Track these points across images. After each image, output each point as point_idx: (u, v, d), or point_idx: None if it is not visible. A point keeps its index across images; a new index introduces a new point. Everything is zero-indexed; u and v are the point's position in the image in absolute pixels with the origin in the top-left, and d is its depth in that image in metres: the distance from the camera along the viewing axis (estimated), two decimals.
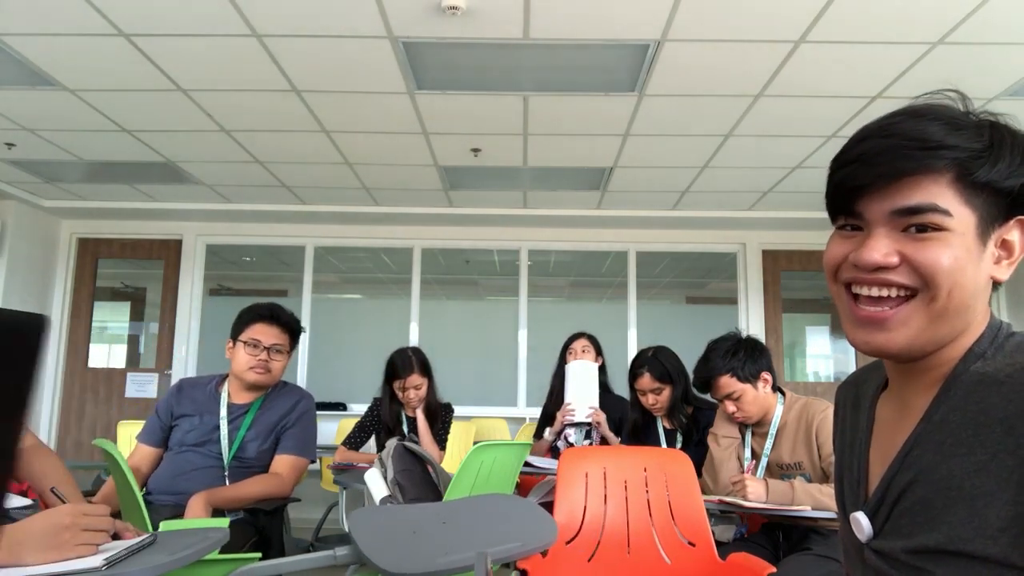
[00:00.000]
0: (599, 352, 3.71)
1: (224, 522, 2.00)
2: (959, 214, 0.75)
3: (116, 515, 1.52)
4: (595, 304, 7.02)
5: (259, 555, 1.90)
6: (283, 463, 2.55)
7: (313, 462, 2.75)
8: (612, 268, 6.50)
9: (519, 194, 5.55)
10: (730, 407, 2.46)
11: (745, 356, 2.45)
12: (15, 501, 1.85)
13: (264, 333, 2.58)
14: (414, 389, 3.32)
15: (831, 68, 3.36)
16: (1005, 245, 0.78)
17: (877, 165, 0.77)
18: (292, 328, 2.67)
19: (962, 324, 0.78)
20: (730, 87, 3.59)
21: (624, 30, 3.05)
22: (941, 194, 0.75)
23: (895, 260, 0.77)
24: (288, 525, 3.53)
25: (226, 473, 2.46)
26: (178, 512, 2.21)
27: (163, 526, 1.74)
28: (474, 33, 3.07)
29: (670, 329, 6.10)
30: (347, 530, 3.07)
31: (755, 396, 2.44)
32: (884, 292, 0.78)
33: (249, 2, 2.87)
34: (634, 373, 3.11)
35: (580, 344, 3.69)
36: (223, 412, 2.55)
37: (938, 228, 0.75)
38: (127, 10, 2.94)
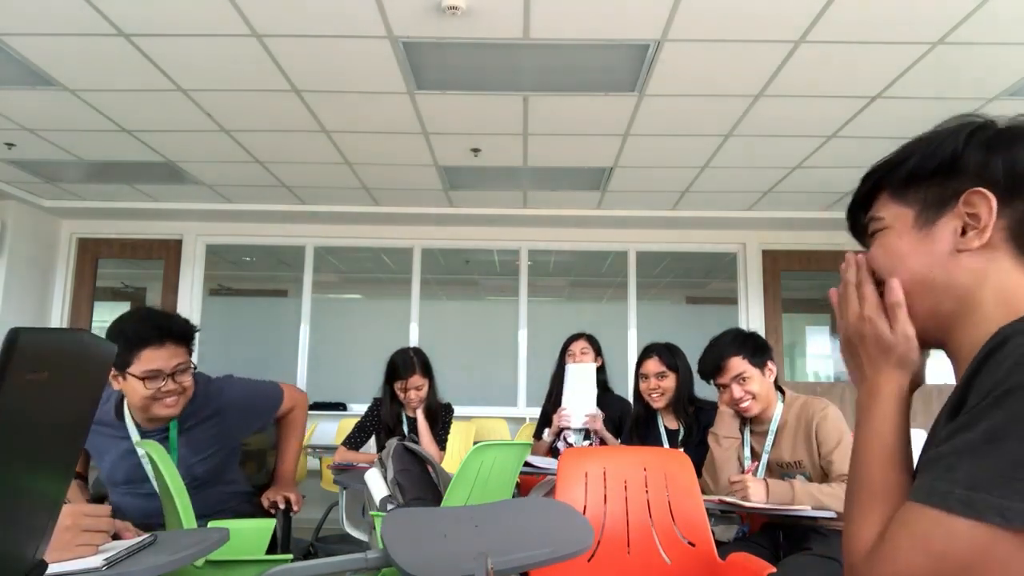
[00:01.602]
0: (598, 352, 3.70)
1: (271, 523, 2.00)
2: (891, 214, 0.88)
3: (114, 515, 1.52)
4: (595, 304, 7.02)
5: (290, 556, 1.89)
6: (284, 407, 2.50)
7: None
8: (612, 268, 6.50)
9: (519, 194, 5.55)
10: (736, 391, 2.45)
11: (753, 344, 2.48)
12: None
13: (159, 358, 2.06)
14: (415, 390, 3.32)
15: (831, 68, 3.36)
16: (974, 217, 0.82)
17: (849, 212, 0.96)
18: (187, 336, 2.17)
19: (938, 301, 0.83)
20: (730, 87, 3.59)
21: (624, 30, 3.05)
22: (879, 206, 0.90)
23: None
24: (289, 525, 3.53)
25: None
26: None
27: (211, 524, 1.73)
28: (474, 33, 3.07)
29: (670, 329, 6.09)
30: (347, 530, 3.08)
31: (762, 382, 2.45)
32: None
33: (249, 2, 2.87)
34: (642, 358, 3.16)
35: (579, 346, 3.68)
36: (140, 450, 2.13)
37: (877, 231, 0.90)
38: (127, 10, 2.94)
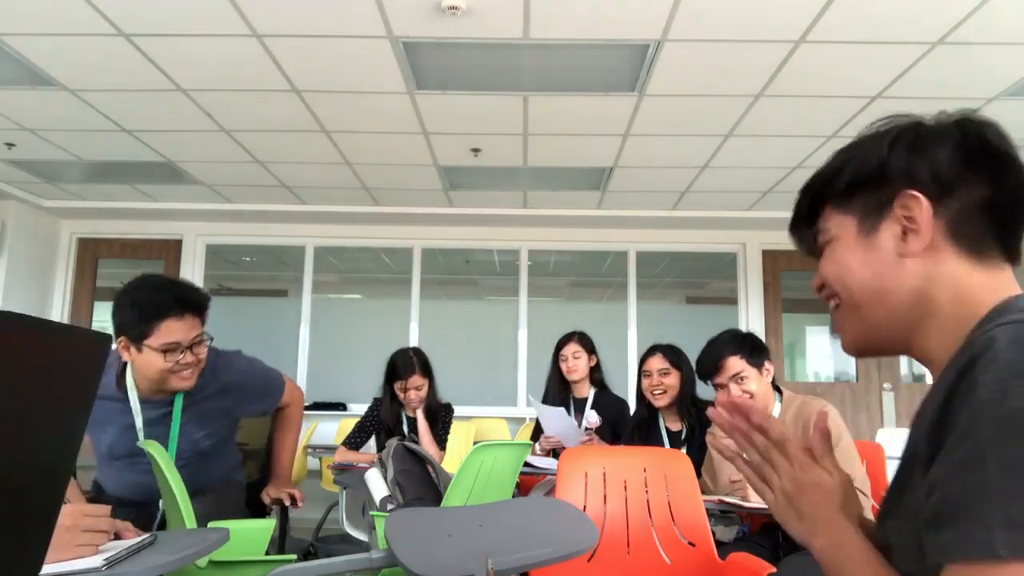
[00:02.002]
0: (592, 351, 3.62)
1: (271, 523, 2.00)
2: (835, 224, 0.89)
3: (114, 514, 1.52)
4: (595, 304, 7.02)
5: (293, 557, 1.89)
6: (283, 400, 2.50)
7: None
8: (612, 268, 6.50)
9: (519, 194, 5.55)
10: (734, 391, 2.45)
11: (751, 344, 2.49)
12: None
13: (179, 331, 1.98)
14: (415, 390, 3.32)
15: (831, 68, 3.36)
16: (911, 220, 0.82)
17: (792, 228, 0.97)
18: (204, 306, 2.10)
19: (895, 307, 0.84)
20: (730, 87, 3.59)
21: (624, 30, 3.05)
22: (823, 218, 0.91)
23: (817, 280, 0.93)
24: (288, 525, 3.53)
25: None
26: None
27: (211, 524, 1.73)
28: (474, 33, 3.07)
29: (670, 329, 6.07)
30: (347, 530, 3.08)
31: (760, 382, 2.46)
32: (830, 304, 0.92)
33: (249, 2, 2.87)
34: (645, 356, 3.16)
35: (571, 349, 3.57)
36: (138, 421, 2.08)
37: (826, 243, 0.90)
38: (127, 10, 2.94)
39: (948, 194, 0.81)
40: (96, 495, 2.25)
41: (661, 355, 3.10)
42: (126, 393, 2.09)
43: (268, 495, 2.45)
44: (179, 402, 2.13)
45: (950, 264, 0.81)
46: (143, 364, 2.00)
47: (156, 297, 1.98)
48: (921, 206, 0.81)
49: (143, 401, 2.10)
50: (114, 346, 2.05)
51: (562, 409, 3.35)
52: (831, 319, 0.93)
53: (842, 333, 0.91)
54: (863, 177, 0.86)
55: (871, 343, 0.89)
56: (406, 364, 3.35)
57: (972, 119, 0.84)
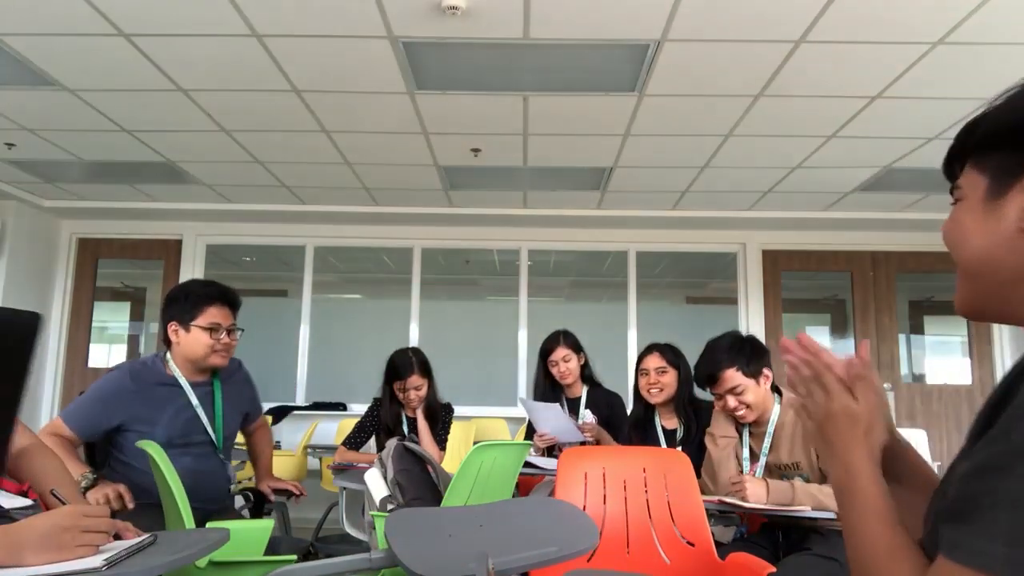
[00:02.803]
0: (579, 349, 3.57)
1: (269, 523, 2.02)
2: (968, 182, 0.82)
3: (115, 514, 1.52)
4: (595, 304, 7.02)
5: (294, 557, 1.90)
6: (262, 420, 2.88)
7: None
8: (612, 268, 6.50)
9: (519, 194, 5.55)
10: (731, 402, 2.45)
11: (750, 352, 2.47)
12: (15, 501, 1.85)
13: (221, 315, 2.48)
14: (414, 390, 3.32)
15: (831, 68, 3.36)
16: None
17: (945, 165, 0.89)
18: (237, 304, 2.60)
19: (1004, 278, 0.78)
20: (730, 87, 3.59)
21: (624, 30, 3.05)
22: (964, 172, 0.83)
23: (944, 228, 0.86)
24: (288, 525, 3.52)
25: (224, 463, 2.52)
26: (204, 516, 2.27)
27: (211, 525, 1.80)
28: (474, 33, 3.07)
29: (670, 329, 6.08)
30: (347, 530, 3.08)
31: (757, 392, 2.45)
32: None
33: (249, 2, 2.87)
34: (643, 355, 3.16)
35: (560, 355, 3.50)
36: (193, 399, 2.47)
37: (957, 200, 0.84)
38: (127, 10, 2.94)
39: None
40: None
41: (658, 354, 3.10)
42: (175, 377, 2.48)
43: (269, 485, 2.71)
44: (217, 385, 2.56)
45: None
46: (190, 342, 2.45)
47: (205, 289, 2.53)
48: None
49: (192, 384, 2.50)
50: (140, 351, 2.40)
51: (556, 405, 3.33)
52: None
53: (957, 292, 0.86)
54: (1003, 132, 0.78)
55: (979, 310, 0.84)
56: (405, 364, 3.34)
57: None
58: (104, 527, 1.31)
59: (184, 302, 2.47)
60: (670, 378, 3.06)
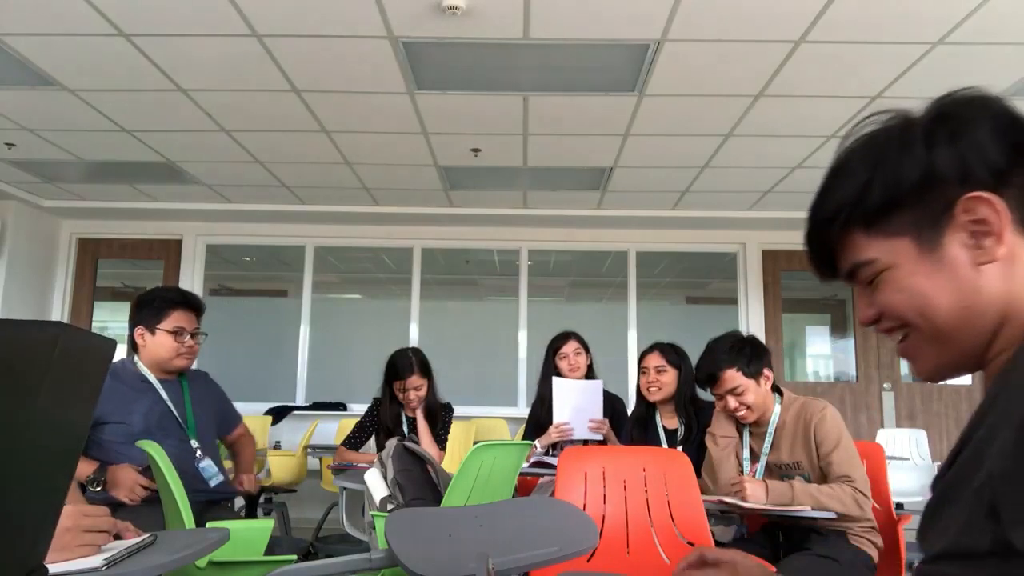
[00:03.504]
0: (588, 349, 3.57)
1: (269, 523, 2.03)
2: (884, 250, 0.77)
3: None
4: (595, 304, 7.02)
5: (294, 557, 1.90)
6: (242, 427, 2.97)
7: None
8: (612, 268, 6.50)
9: (519, 194, 5.55)
10: (732, 403, 2.45)
11: (750, 352, 2.47)
12: None
13: (185, 320, 2.60)
14: (414, 390, 3.32)
15: (831, 68, 3.36)
16: (980, 223, 0.73)
17: (812, 261, 0.88)
18: (202, 309, 2.71)
19: (982, 325, 0.74)
20: (730, 87, 3.59)
21: (624, 30, 3.05)
22: (860, 247, 0.79)
23: (872, 313, 0.81)
24: (288, 525, 3.52)
25: (197, 453, 2.58)
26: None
27: (210, 525, 1.85)
28: (474, 33, 3.07)
29: (670, 329, 6.09)
30: (347, 530, 3.08)
31: (757, 393, 2.45)
32: (894, 335, 0.81)
33: (249, 2, 2.87)
34: (644, 354, 3.16)
35: (572, 347, 3.50)
36: (163, 393, 2.58)
37: (875, 273, 0.78)
38: (127, 10, 2.94)
39: (1005, 183, 0.72)
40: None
41: (659, 353, 3.10)
42: (146, 376, 2.60)
43: (243, 481, 2.83)
44: (185, 384, 2.68)
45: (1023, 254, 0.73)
46: (155, 346, 2.58)
47: (169, 294, 2.66)
48: (992, 206, 0.71)
49: (160, 382, 2.60)
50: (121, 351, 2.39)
51: (595, 383, 3.35)
52: (899, 350, 0.82)
53: (918, 362, 0.80)
54: (903, 192, 0.74)
55: (956, 368, 0.79)
56: (405, 365, 3.34)
57: (975, 99, 0.75)
58: (105, 527, 1.32)
59: (150, 307, 2.60)
60: (669, 377, 3.06)
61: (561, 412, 3.31)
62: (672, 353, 3.11)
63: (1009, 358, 0.68)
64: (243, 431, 2.98)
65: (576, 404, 3.32)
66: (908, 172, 0.74)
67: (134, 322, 2.61)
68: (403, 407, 3.41)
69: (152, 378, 2.60)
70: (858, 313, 0.83)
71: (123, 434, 2.47)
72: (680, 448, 2.95)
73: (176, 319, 2.59)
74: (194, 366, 2.76)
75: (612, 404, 3.55)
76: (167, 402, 2.58)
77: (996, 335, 0.74)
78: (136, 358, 2.63)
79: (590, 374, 3.59)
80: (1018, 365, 0.65)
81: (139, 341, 2.60)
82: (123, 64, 3.39)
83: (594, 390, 3.31)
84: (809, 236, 0.84)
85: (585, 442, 3.43)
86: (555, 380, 3.33)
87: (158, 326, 2.57)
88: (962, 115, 0.75)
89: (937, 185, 0.73)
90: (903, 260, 0.76)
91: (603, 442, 3.40)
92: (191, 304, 2.65)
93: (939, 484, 0.71)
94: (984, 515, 0.61)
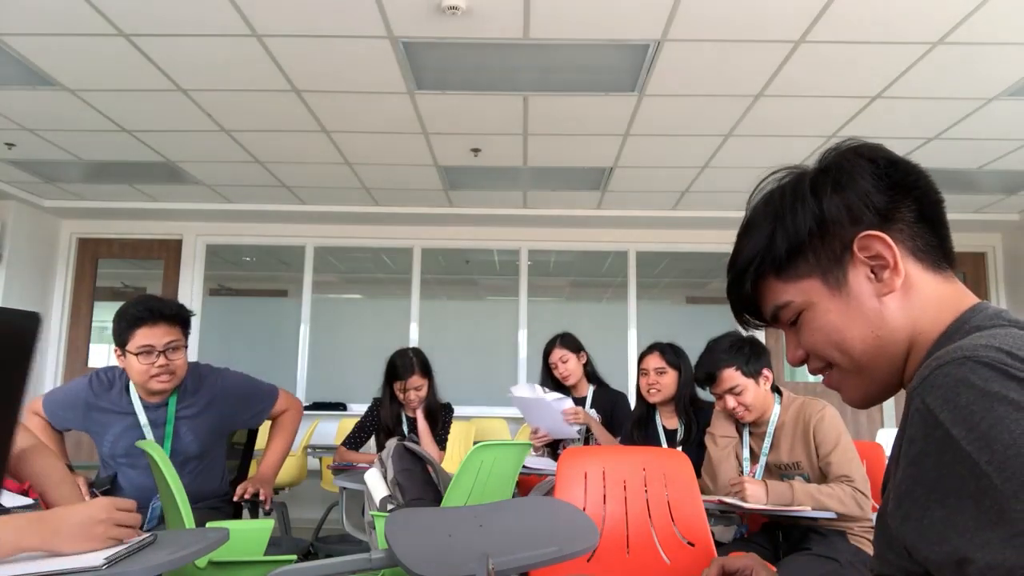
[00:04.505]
0: (578, 349, 3.59)
1: (269, 523, 2.02)
2: (797, 292, 0.85)
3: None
4: (595, 304, 7.02)
5: (294, 557, 1.90)
6: (278, 407, 2.66)
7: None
8: (612, 268, 6.50)
9: (519, 194, 5.55)
10: (731, 402, 2.45)
11: (749, 352, 2.47)
12: (15, 500, 1.85)
13: (152, 336, 2.29)
14: (414, 390, 3.32)
15: (831, 68, 3.36)
16: (877, 258, 0.80)
17: (736, 311, 0.93)
18: (181, 317, 2.39)
19: (894, 351, 0.82)
20: (730, 87, 3.59)
21: (624, 30, 3.05)
22: (777, 292, 0.86)
23: (801, 354, 0.88)
24: (288, 525, 3.53)
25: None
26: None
27: (210, 525, 1.81)
28: (474, 33, 3.07)
29: (670, 329, 6.08)
30: (347, 530, 3.08)
31: (756, 392, 2.45)
32: (823, 373, 0.89)
33: (249, 2, 2.87)
34: (643, 355, 3.16)
35: (558, 356, 3.54)
36: (142, 419, 2.38)
37: (797, 314, 0.86)
38: (127, 10, 2.94)
39: (891, 221, 0.81)
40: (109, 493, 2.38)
41: (659, 354, 3.10)
42: (130, 402, 2.40)
43: (242, 487, 2.50)
44: (172, 406, 2.43)
45: (922, 285, 0.81)
46: (128, 368, 2.34)
47: (133, 310, 2.33)
48: (883, 241, 0.80)
49: (144, 405, 2.40)
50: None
51: (541, 397, 3.33)
52: (825, 382, 0.89)
53: (845, 393, 0.88)
54: (803, 239, 0.83)
55: (881, 394, 0.87)
56: (405, 365, 3.34)
57: (856, 147, 0.85)
58: (133, 522, 1.35)
59: (118, 325, 2.32)
60: (669, 379, 3.06)
61: (530, 420, 3.41)
62: (671, 354, 3.11)
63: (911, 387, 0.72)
64: (281, 408, 2.66)
65: (539, 411, 3.36)
66: (803, 221, 0.83)
67: (113, 340, 2.37)
68: (403, 407, 3.41)
69: (136, 401, 2.39)
70: (787, 355, 0.90)
71: (104, 450, 2.40)
72: (680, 448, 2.96)
73: (142, 337, 2.28)
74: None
75: (613, 400, 3.56)
76: (143, 427, 2.38)
77: (907, 360, 0.82)
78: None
79: (589, 372, 3.61)
80: (912, 401, 0.71)
81: (120, 363, 2.37)
82: (123, 64, 3.39)
83: (539, 403, 3.33)
84: (729, 289, 0.91)
85: (586, 440, 3.44)
86: (512, 394, 3.43)
87: (126, 347, 2.30)
88: (842, 165, 0.83)
89: (831, 229, 0.82)
90: (816, 298, 0.84)
91: (588, 439, 3.41)
92: (161, 315, 2.32)
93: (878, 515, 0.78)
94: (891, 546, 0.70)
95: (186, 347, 2.40)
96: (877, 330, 0.81)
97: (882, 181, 0.81)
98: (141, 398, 2.40)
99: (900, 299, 0.81)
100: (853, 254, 0.81)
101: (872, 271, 0.81)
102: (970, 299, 0.81)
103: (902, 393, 0.84)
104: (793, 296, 0.85)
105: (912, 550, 0.67)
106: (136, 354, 2.28)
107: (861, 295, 0.81)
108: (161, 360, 2.30)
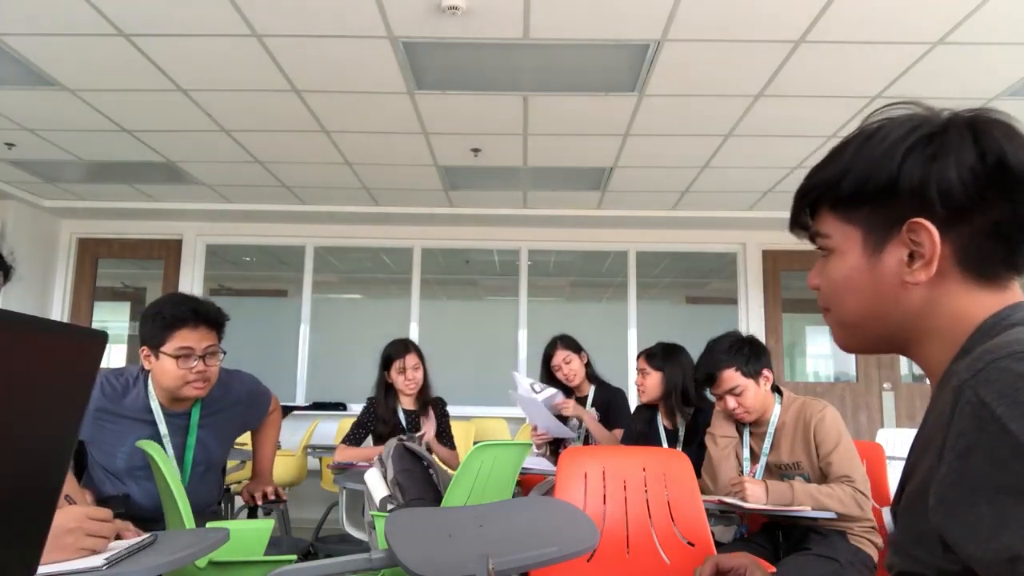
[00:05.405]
0: (579, 349, 3.62)
1: (269, 523, 2.02)
2: (839, 231, 0.83)
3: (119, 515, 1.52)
4: (595, 304, 7.02)
5: (294, 557, 1.90)
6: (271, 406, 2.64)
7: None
8: (612, 268, 6.50)
9: (519, 194, 5.55)
10: (731, 403, 2.45)
11: (749, 352, 2.47)
12: None
13: (193, 339, 2.14)
14: (412, 369, 3.35)
15: (831, 68, 3.36)
16: (919, 246, 0.77)
17: (793, 212, 0.91)
18: (219, 322, 2.25)
19: (885, 332, 0.82)
20: (730, 87, 3.59)
21: (624, 30, 3.05)
22: (825, 221, 0.85)
23: (816, 282, 0.89)
24: (288, 525, 3.52)
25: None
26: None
27: (210, 525, 1.79)
28: (474, 33, 3.07)
29: (670, 329, 6.08)
30: (347, 530, 3.08)
31: (756, 393, 2.44)
32: (822, 309, 0.90)
33: (249, 2, 2.87)
34: (638, 355, 3.23)
35: (560, 358, 3.56)
36: (163, 428, 2.21)
37: (827, 249, 0.85)
38: (127, 10, 2.94)
39: (960, 220, 0.75)
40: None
41: (643, 358, 3.17)
42: (149, 409, 2.22)
43: (249, 491, 2.50)
44: (196, 413, 2.28)
45: (953, 289, 0.77)
46: (160, 371, 2.16)
47: (175, 309, 2.17)
48: (932, 237, 0.75)
49: (165, 413, 2.24)
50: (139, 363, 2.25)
51: (534, 397, 3.35)
52: (824, 317, 0.91)
53: (834, 334, 0.89)
54: (870, 190, 0.79)
55: (863, 348, 0.88)
56: (400, 347, 3.40)
57: (988, 127, 0.76)
58: (106, 531, 1.32)
59: (152, 324, 2.15)
60: (653, 380, 3.10)
61: (530, 418, 3.44)
62: (656, 357, 3.12)
63: (956, 387, 0.68)
64: (271, 408, 2.63)
65: (535, 409, 3.39)
66: (877, 174, 0.79)
67: (140, 340, 2.19)
68: (399, 401, 3.41)
69: (157, 410, 2.21)
70: (808, 276, 0.91)
71: (105, 467, 2.23)
72: (680, 448, 2.96)
73: (182, 338, 2.12)
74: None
75: (611, 396, 3.59)
76: (164, 438, 2.21)
77: (912, 343, 0.82)
78: (150, 381, 2.23)
79: (590, 372, 3.63)
80: (963, 394, 0.67)
81: (146, 364, 2.19)
82: (123, 64, 3.39)
83: (532, 402, 3.36)
84: (797, 193, 0.90)
85: (586, 440, 3.45)
86: (513, 391, 3.45)
87: (161, 348, 2.13)
88: (952, 141, 0.76)
89: (897, 196, 0.77)
90: (848, 248, 0.83)
91: (588, 439, 3.43)
92: (204, 318, 2.17)
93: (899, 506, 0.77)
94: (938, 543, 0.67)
95: (224, 353, 2.25)
96: (882, 304, 0.81)
97: (978, 181, 0.74)
98: (162, 404, 2.22)
99: (921, 292, 0.78)
100: (901, 232, 0.77)
101: (910, 255, 0.77)
102: (1015, 298, 0.78)
103: (912, 394, 0.85)
104: (832, 232, 0.84)
105: (956, 546, 0.64)
106: (174, 357, 2.11)
107: (887, 270, 0.79)
108: (199, 365, 2.14)
